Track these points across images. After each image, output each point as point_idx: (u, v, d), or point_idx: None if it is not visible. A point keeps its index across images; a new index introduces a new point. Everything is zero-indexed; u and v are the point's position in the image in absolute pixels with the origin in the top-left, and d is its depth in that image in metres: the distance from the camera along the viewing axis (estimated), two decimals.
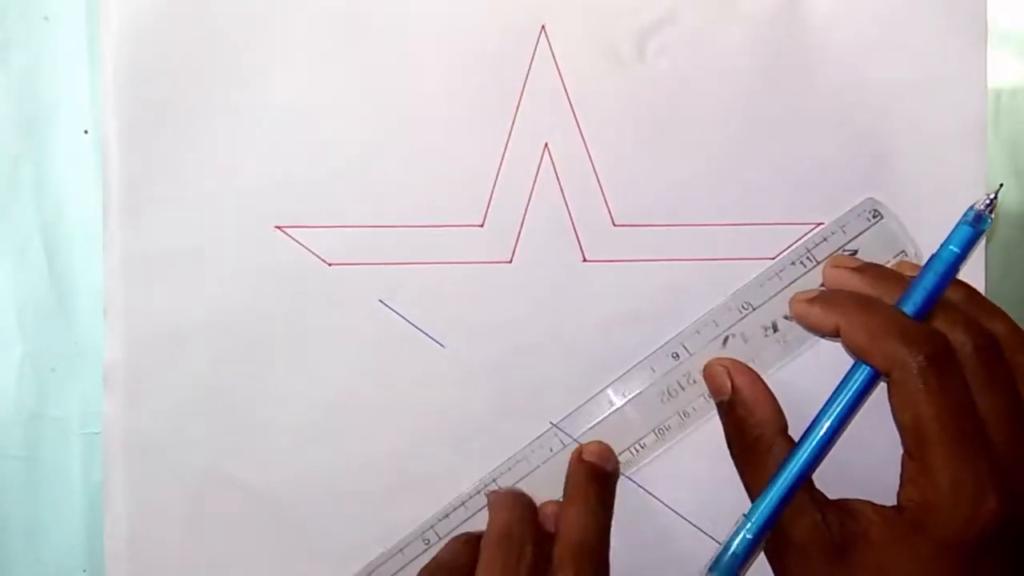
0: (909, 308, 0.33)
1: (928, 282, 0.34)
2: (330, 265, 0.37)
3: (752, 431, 0.35)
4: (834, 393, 0.34)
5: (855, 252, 0.38)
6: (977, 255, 0.40)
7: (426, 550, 0.37)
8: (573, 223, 0.38)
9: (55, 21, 0.38)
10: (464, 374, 0.38)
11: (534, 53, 0.38)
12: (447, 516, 0.37)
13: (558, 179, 0.38)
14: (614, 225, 0.38)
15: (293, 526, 0.38)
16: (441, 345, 0.38)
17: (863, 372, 0.33)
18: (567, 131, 0.38)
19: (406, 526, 0.38)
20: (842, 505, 0.33)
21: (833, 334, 0.34)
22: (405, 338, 0.38)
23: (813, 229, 0.39)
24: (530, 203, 0.38)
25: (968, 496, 0.30)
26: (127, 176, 0.37)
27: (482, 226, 0.38)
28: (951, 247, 0.34)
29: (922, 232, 0.40)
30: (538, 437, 0.38)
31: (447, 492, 0.38)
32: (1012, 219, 0.41)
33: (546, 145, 0.38)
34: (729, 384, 0.35)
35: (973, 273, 0.40)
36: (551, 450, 0.37)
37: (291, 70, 0.37)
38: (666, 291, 0.38)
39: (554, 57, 0.38)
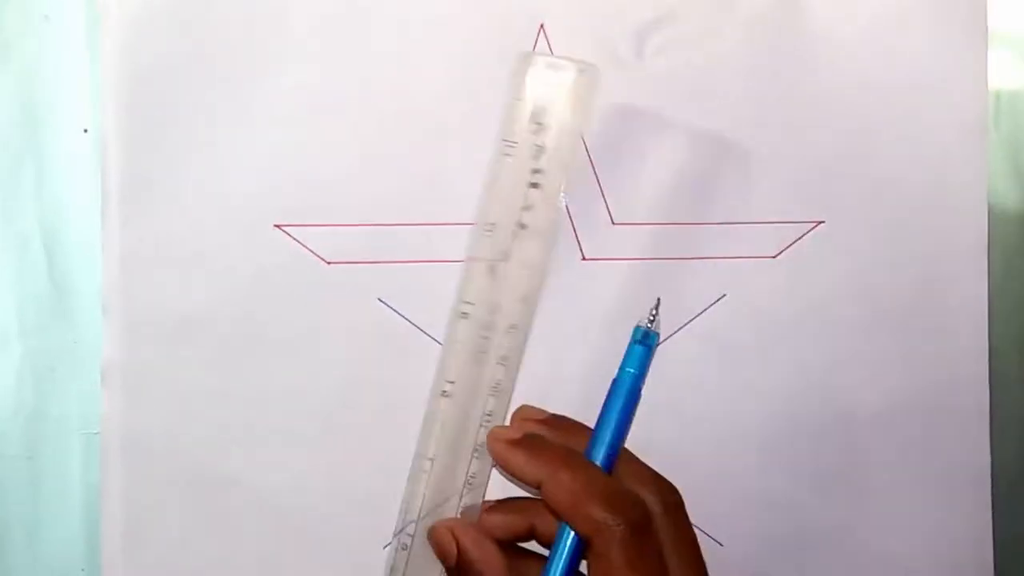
0: (600, 453, 0.32)
1: (614, 412, 0.33)
2: (329, 264, 0.37)
3: None
4: (548, 563, 0.31)
5: (541, 109, 0.34)
6: (978, 257, 0.40)
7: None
8: (572, 222, 0.38)
9: (55, 21, 0.38)
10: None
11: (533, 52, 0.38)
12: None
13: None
14: (613, 224, 0.38)
15: (293, 526, 0.38)
16: (440, 343, 0.38)
17: (570, 536, 0.31)
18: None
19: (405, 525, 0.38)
20: None
21: (536, 487, 0.31)
22: (405, 337, 0.38)
23: (813, 228, 0.39)
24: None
25: None
26: (127, 176, 0.37)
27: None
28: (628, 369, 0.33)
29: (922, 232, 0.40)
30: None
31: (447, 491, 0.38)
32: (1012, 219, 0.41)
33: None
34: (455, 547, 0.33)
35: (974, 274, 0.40)
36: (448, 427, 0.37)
37: (291, 70, 0.37)
38: (665, 289, 0.38)
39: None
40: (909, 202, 0.40)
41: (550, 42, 0.38)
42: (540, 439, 0.33)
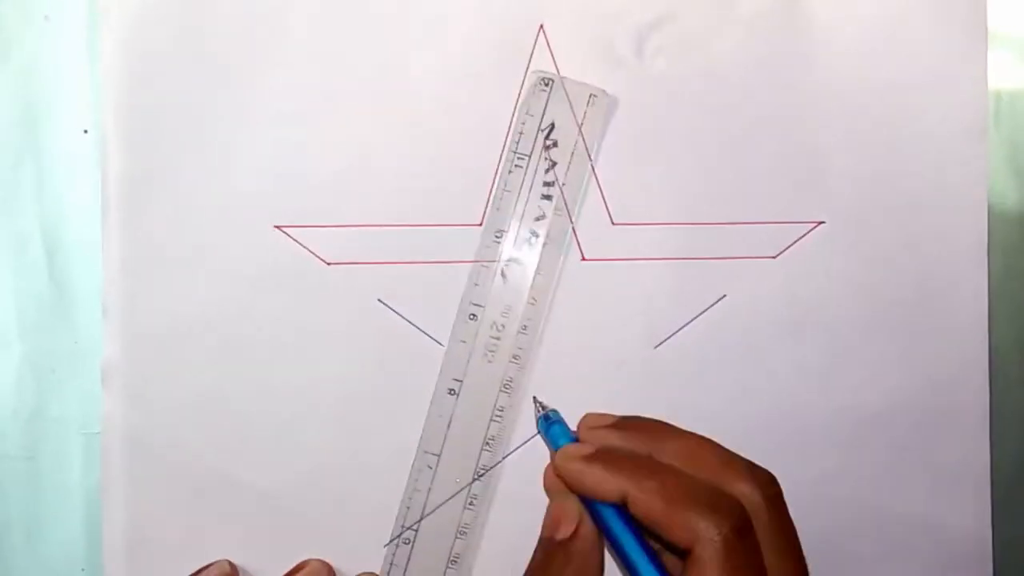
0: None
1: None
2: (329, 265, 0.37)
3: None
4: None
5: (552, 126, 0.37)
6: (978, 257, 0.40)
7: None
8: (572, 222, 0.38)
9: (55, 21, 0.38)
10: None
11: (532, 52, 0.38)
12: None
13: (557, 178, 0.38)
14: (613, 224, 0.38)
15: (293, 526, 0.38)
16: (441, 345, 0.38)
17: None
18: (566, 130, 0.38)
19: (406, 525, 0.38)
20: None
21: (618, 501, 0.30)
22: (405, 338, 0.38)
23: (813, 228, 0.39)
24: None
25: None
26: (127, 176, 0.37)
27: (481, 225, 0.38)
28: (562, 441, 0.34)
29: (922, 232, 0.40)
30: (536, 436, 0.38)
31: (447, 490, 0.38)
32: (1012, 219, 0.41)
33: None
34: (573, 527, 0.31)
35: (974, 274, 0.40)
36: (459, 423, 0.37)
37: (291, 70, 0.37)
38: (665, 290, 0.39)
39: (553, 56, 0.38)
40: (909, 202, 0.40)
41: (549, 42, 0.38)
42: (616, 450, 0.31)
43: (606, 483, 0.30)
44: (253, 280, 0.37)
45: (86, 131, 0.38)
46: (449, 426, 0.37)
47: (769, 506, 0.29)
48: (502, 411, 0.37)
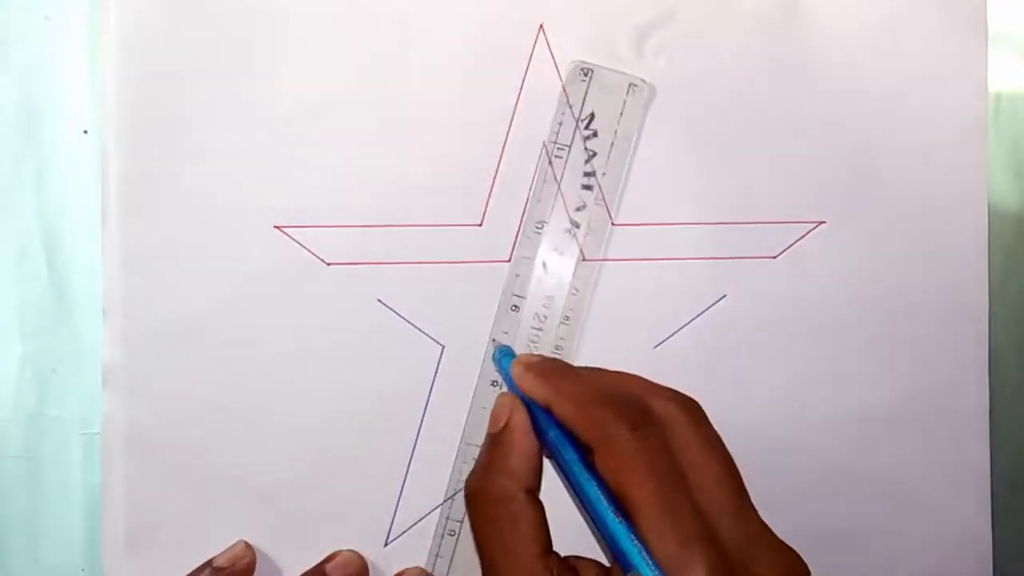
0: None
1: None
2: (329, 265, 0.37)
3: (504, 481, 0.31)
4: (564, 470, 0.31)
5: (592, 116, 0.37)
6: (978, 257, 0.40)
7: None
8: (572, 222, 0.38)
9: (55, 21, 0.38)
10: (463, 374, 0.38)
11: (532, 52, 0.38)
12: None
13: (557, 178, 0.38)
14: (613, 224, 0.38)
15: (293, 526, 0.38)
16: (440, 345, 0.38)
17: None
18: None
19: (406, 525, 0.38)
20: (569, 563, 0.31)
21: (545, 405, 0.31)
22: (404, 338, 0.38)
23: (814, 228, 0.39)
24: (529, 202, 0.38)
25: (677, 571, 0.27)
26: (127, 176, 0.37)
27: (481, 225, 0.38)
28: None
29: (922, 232, 0.40)
30: None
31: (448, 490, 0.38)
32: (1012, 219, 0.41)
33: (545, 144, 0.38)
34: (505, 418, 0.32)
35: (974, 274, 0.40)
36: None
37: (291, 70, 0.37)
38: (665, 291, 0.38)
39: (553, 56, 0.38)
40: (909, 202, 0.40)
41: (550, 42, 0.38)
42: (557, 363, 0.34)
43: (537, 388, 0.32)
44: (253, 280, 0.37)
45: (86, 131, 0.38)
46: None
47: (690, 419, 0.30)
48: None
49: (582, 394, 0.31)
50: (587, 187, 0.38)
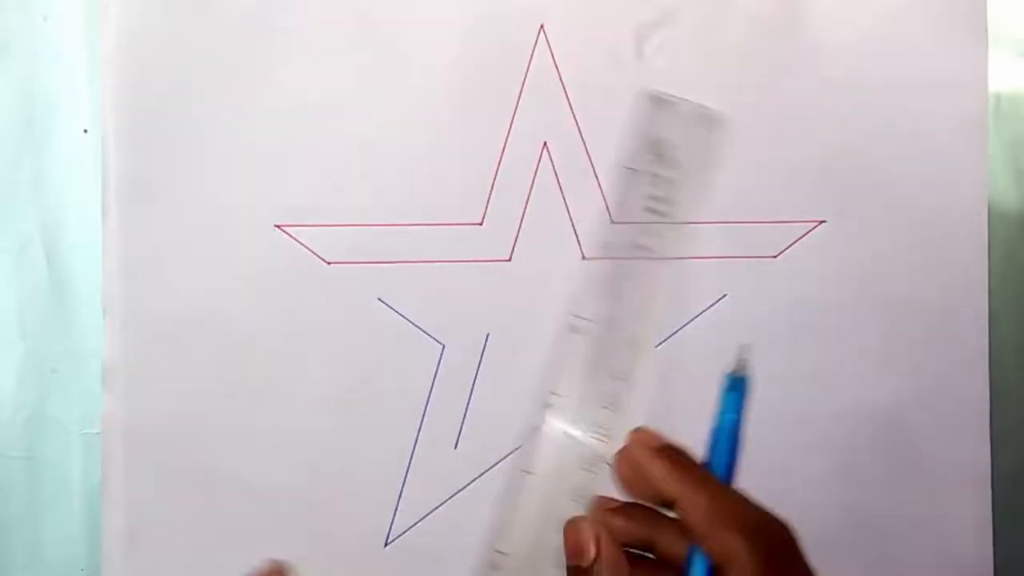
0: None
1: (721, 458, 0.31)
2: (329, 264, 0.37)
3: None
4: None
5: (662, 142, 0.35)
6: (978, 257, 0.40)
7: None
8: (572, 221, 0.38)
9: (55, 21, 0.38)
10: (463, 372, 0.38)
11: (533, 52, 0.38)
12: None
13: (557, 177, 0.38)
14: (613, 223, 0.38)
15: (293, 526, 0.38)
16: (440, 343, 0.38)
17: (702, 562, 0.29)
18: (566, 130, 0.38)
19: (406, 525, 0.38)
20: None
21: (667, 504, 0.29)
22: (404, 336, 0.38)
23: (813, 228, 0.39)
24: (529, 201, 0.38)
25: None
26: (127, 176, 0.37)
27: (481, 224, 0.38)
28: (728, 416, 0.31)
29: (922, 232, 0.40)
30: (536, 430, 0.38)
31: (447, 490, 0.38)
32: (1012, 219, 0.41)
33: (545, 144, 0.38)
34: (594, 549, 0.30)
35: (974, 274, 0.40)
36: (553, 441, 0.37)
37: (291, 70, 0.37)
38: (665, 290, 0.38)
39: (553, 56, 0.38)
40: (909, 202, 0.40)
41: (550, 42, 0.38)
42: (683, 454, 0.30)
43: (665, 482, 0.29)
44: (253, 280, 0.37)
45: (86, 131, 0.38)
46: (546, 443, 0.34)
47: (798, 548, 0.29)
48: (604, 428, 0.34)
49: (718, 511, 0.28)
50: (653, 211, 0.36)
